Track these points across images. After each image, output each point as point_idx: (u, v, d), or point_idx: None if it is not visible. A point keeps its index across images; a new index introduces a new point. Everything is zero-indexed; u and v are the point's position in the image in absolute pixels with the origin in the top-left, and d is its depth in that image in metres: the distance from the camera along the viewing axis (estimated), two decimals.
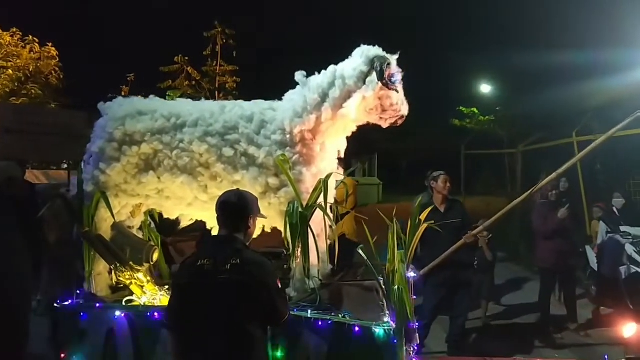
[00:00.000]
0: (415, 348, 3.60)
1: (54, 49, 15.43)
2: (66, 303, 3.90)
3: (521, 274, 10.35)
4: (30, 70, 14.66)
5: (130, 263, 4.00)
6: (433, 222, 4.41)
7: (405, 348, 3.32)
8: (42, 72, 15.10)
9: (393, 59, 3.85)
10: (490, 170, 14.94)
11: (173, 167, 4.08)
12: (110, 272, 4.19)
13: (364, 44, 3.88)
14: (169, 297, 3.96)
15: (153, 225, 4.82)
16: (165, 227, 4.94)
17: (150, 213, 4.68)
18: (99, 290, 4.16)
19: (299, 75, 4.06)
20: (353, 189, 6.50)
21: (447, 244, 5.37)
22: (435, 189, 6.01)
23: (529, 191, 5.31)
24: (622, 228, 7.27)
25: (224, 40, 20.66)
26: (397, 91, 3.86)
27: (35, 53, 15.08)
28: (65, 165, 13.59)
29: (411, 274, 3.90)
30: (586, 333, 6.85)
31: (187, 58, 19.76)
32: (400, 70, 3.89)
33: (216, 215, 3.05)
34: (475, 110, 17.84)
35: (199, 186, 4.08)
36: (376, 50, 3.86)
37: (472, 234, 5.53)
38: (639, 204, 8.23)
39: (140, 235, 4.57)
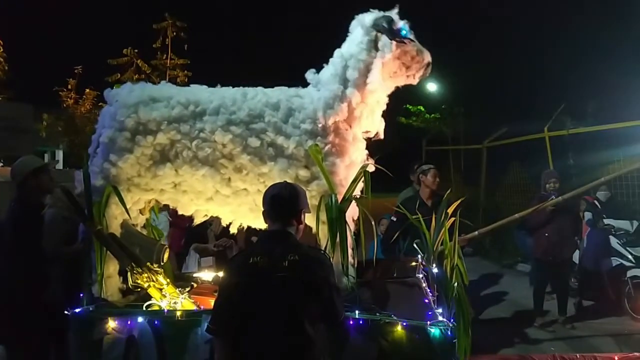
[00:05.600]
0: None
1: None
2: (77, 310, 3.49)
3: (491, 269, 10.52)
4: None
5: (148, 264, 3.63)
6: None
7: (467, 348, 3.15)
8: None
9: (393, 13, 3.72)
10: (450, 166, 14.99)
11: (193, 159, 3.75)
12: (120, 274, 3.81)
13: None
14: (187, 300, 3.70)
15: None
16: None
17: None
18: (110, 294, 3.76)
19: (310, 75, 3.88)
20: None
21: None
22: (424, 182, 5.76)
23: (554, 200, 5.33)
24: (606, 220, 7.42)
25: (175, 33, 20.02)
26: (412, 41, 3.72)
27: None
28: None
29: (435, 270, 3.74)
30: (572, 325, 6.89)
31: (136, 51, 18.99)
32: (405, 20, 3.76)
33: (264, 209, 2.82)
34: (421, 108, 18.02)
35: (221, 179, 3.77)
36: (371, 15, 3.74)
37: (466, 237, 5.27)
38: (620, 196, 8.37)
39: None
